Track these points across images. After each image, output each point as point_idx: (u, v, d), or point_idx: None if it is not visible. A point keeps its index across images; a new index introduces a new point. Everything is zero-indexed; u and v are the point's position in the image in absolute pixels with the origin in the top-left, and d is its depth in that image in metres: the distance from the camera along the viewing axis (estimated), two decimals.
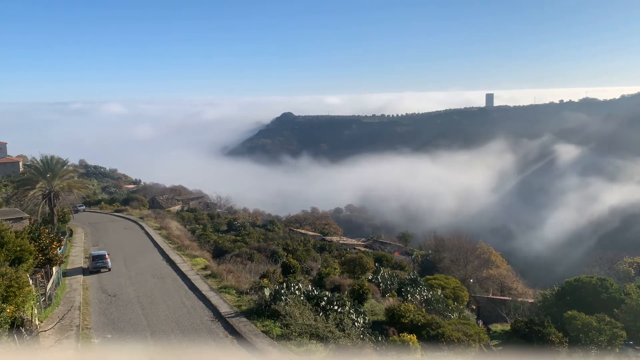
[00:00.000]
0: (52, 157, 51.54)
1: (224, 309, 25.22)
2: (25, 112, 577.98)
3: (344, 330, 22.23)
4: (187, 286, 30.76)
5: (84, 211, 76.29)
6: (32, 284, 22.64)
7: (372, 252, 60.02)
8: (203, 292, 28.58)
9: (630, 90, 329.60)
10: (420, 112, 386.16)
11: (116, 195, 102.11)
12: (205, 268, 35.08)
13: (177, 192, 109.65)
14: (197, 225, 68.91)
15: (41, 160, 51.33)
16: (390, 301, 32.37)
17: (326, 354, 19.01)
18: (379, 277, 37.53)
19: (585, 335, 30.18)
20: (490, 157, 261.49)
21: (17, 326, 16.72)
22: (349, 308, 25.43)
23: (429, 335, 25.00)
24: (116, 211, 76.10)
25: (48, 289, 26.20)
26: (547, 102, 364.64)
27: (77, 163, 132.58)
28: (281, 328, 21.61)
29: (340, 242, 74.66)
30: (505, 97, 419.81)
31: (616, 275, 51.90)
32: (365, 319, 25.71)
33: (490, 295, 50.88)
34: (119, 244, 47.36)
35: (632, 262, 55.25)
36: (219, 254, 45.52)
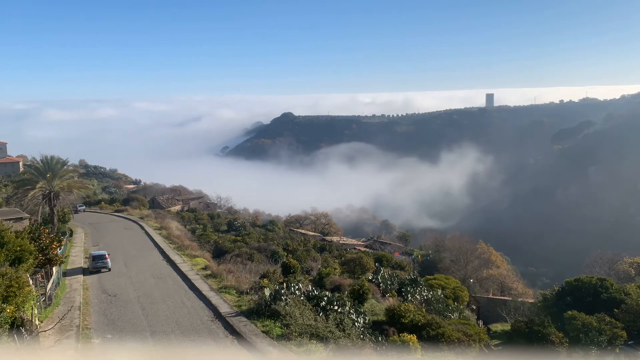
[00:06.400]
0: (52, 157, 51.56)
1: (224, 309, 25.21)
2: (26, 112, 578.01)
3: (344, 330, 22.21)
4: (187, 286, 30.76)
5: (84, 211, 76.17)
6: (32, 284, 22.65)
7: (372, 252, 59.97)
8: (203, 292, 28.57)
9: (630, 90, 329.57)
10: (421, 112, 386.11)
11: (116, 195, 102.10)
12: (205, 268, 35.08)
13: (177, 192, 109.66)
14: (197, 225, 68.90)
15: (41, 160, 51.33)
16: (391, 301, 32.37)
17: (326, 354, 19.00)
18: (379, 277, 37.51)
19: (585, 335, 30.20)
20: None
21: (17, 326, 16.71)
22: (349, 308, 25.42)
23: (429, 335, 24.99)
24: (116, 211, 76.09)
25: (48, 289, 26.19)
26: (547, 102, 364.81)
27: (77, 163, 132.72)
28: (281, 328, 21.61)
29: (341, 242, 74.60)
30: (506, 97, 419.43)
31: (616, 275, 51.88)
32: (366, 319, 25.69)
33: (491, 295, 50.88)
34: (119, 244, 47.35)
35: (632, 262, 55.23)
36: (219, 254, 45.49)
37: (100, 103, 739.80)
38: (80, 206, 76.55)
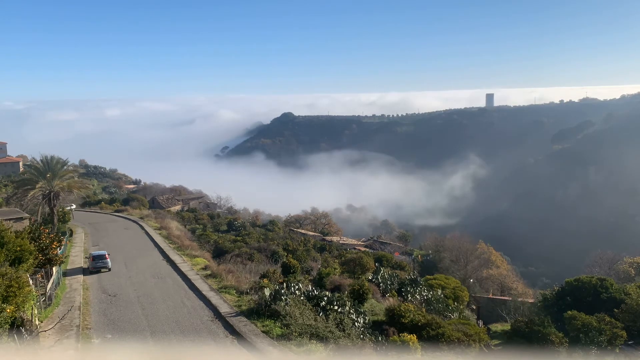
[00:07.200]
0: (52, 157, 51.54)
1: (224, 309, 25.22)
2: (25, 112, 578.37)
3: (344, 330, 22.23)
4: (187, 286, 30.77)
5: (74, 210, 72.60)
6: (32, 284, 22.64)
7: (372, 252, 59.99)
8: (203, 292, 28.58)
9: (630, 90, 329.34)
10: (421, 112, 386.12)
11: (116, 195, 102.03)
12: (205, 268, 35.08)
13: (177, 192, 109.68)
14: (197, 225, 68.90)
15: (41, 160, 51.32)
16: (390, 301, 32.37)
17: (326, 354, 19.00)
18: (379, 277, 37.52)
19: (585, 335, 30.20)
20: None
21: (17, 326, 16.72)
22: (349, 308, 25.43)
23: (429, 335, 25.00)
24: (116, 211, 76.00)
25: (48, 289, 26.19)
26: (547, 102, 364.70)
27: (77, 163, 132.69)
28: (281, 328, 21.62)
29: (340, 242, 74.60)
30: (506, 97, 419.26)
31: (616, 275, 51.89)
32: (366, 319, 25.70)
33: (491, 295, 50.94)
34: (119, 244, 47.34)
35: (632, 262, 55.23)
36: (219, 254, 45.51)
37: (100, 103, 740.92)
38: (67, 206, 70.40)
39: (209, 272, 33.60)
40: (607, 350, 29.88)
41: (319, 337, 20.41)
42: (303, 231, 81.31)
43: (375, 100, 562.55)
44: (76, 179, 58.91)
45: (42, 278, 26.71)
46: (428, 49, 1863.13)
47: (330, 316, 23.42)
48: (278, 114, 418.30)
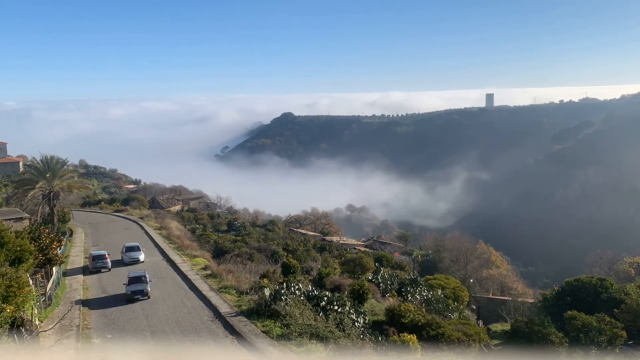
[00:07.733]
0: (52, 157, 51.58)
1: (224, 309, 25.23)
2: (25, 112, 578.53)
3: (344, 330, 22.23)
4: (187, 286, 30.78)
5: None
6: (32, 284, 22.64)
7: (372, 252, 59.99)
8: (203, 292, 28.59)
9: (630, 90, 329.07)
10: (421, 112, 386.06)
11: (116, 195, 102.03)
12: (205, 268, 35.10)
13: (177, 192, 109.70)
14: (197, 225, 68.90)
15: (41, 160, 51.36)
16: (390, 301, 32.37)
17: (326, 354, 19.00)
18: (379, 277, 37.52)
19: (585, 335, 30.22)
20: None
21: (17, 326, 16.72)
22: (349, 308, 25.44)
23: (429, 335, 25.01)
24: (116, 211, 75.99)
25: (48, 289, 26.20)
26: (547, 102, 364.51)
27: (77, 163, 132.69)
28: (281, 328, 21.62)
29: (340, 242, 74.60)
30: (506, 97, 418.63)
31: (616, 275, 51.90)
32: (366, 319, 25.71)
33: (491, 295, 50.94)
34: (119, 244, 47.23)
35: (632, 262, 55.22)
36: (219, 254, 45.52)
37: (101, 103, 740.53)
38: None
39: (209, 272, 33.62)
40: (607, 350, 29.89)
41: (319, 337, 20.42)
42: (303, 231, 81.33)
43: (374, 100, 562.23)
44: (76, 179, 58.92)
45: (42, 278, 26.72)
46: (428, 49, 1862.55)
47: (330, 316, 23.43)
48: (278, 114, 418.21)
